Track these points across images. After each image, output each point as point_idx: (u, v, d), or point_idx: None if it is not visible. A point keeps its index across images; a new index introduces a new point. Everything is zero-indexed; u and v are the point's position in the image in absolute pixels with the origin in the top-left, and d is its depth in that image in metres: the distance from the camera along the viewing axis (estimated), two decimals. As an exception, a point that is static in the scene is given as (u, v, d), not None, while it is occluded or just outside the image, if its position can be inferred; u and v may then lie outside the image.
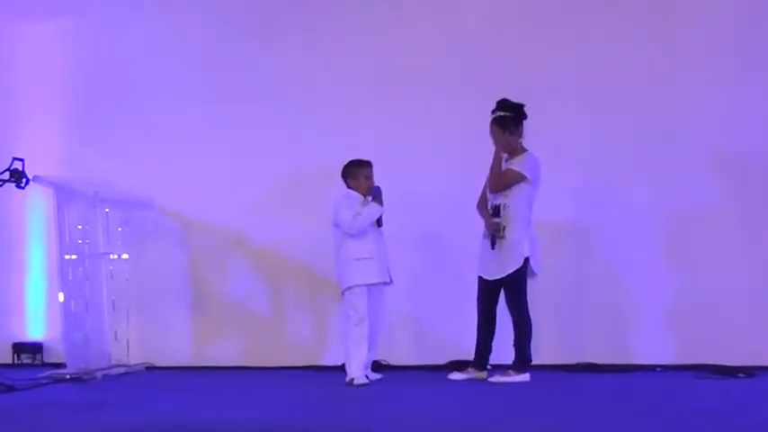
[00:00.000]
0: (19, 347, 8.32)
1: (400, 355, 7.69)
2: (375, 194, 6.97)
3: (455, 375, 6.98)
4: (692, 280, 7.50)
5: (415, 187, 7.79)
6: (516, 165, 6.82)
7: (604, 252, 7.65)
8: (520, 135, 6.88)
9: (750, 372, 6.87)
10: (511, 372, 6.77)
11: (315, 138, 7.90)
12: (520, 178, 6.77)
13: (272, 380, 7.23)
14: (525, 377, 6.73)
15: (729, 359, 7.09)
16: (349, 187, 7.01)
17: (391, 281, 7.04)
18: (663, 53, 7.67)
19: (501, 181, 6.80)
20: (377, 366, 7.24)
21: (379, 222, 6.96)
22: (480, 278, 6.93)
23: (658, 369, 7.27)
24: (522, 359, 6.78)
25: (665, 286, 7.55)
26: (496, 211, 6.78)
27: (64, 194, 7.50)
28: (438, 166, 7.77)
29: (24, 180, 6.95)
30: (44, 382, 7.08)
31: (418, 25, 7.99)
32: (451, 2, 8.00)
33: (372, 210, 6.91)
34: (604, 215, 7.67)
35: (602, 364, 7.35)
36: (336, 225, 6.93)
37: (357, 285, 6.83)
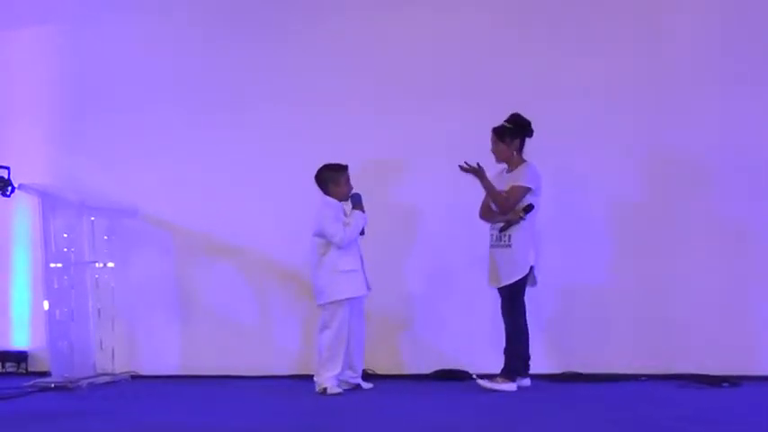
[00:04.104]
0: (3, 356, 8.31)
1: (386, 365, 7.68)
2: (356, 201, 6.94)
3: (523, 382, 6.88)
4: (677, 289, 7.50)
5: (406, 195, 7.80)
6: (517, 176, 6.84)
7: (589, 261, 7.64)
8: (515, 148, 6.89)
9: (735, 381, 6.88)
10: (498, 379, 6.78)
11: (304, 145, 7.84)
12: (525, 191, 6.78)
13: (259, 389, 7.23)
14: (512, 386, 6.72)
15: (714, 369, 7.10)
16: (327, 193, 6.95)
17: (370, 289, 7.03)
18: (649, 63, 7.69)
19: (508, 203, 6.79)
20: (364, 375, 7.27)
21: (362, 231, 6.94)
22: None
23: (643, 378, 7.27)
24: (512, 368, 6.78)
25: (651, 295, 7.54)
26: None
27: (50, 203, 7.51)
28: (432, 175, 7.73)
29: (10, 188, 6.94)
30: (29, 390, 7.08)
31: (417, 28, 7.99)
32: (450, 5, 8.00)
33: (359, 219, 6.87)
34: (588, 223, 7.67)
35: (586, 373, 7.35)
36: (320, 235, 6.86)
37: (343, 299, 6.80)
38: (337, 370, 6.80)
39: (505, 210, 6.81)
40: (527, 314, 6.85)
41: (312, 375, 7.00)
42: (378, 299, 7.38)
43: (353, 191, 6.98)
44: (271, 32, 8.19)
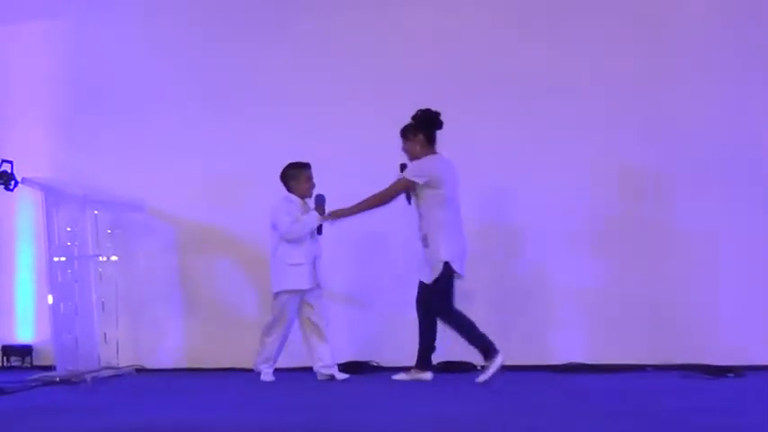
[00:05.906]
0: (8, 350, 8.32)
1: (391, 357, 7.71)
2: (318, 203, 7.07)
3: (400, 376, 7.02)
4: (681, 280, 7.57)
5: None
6: (409, 170, 6.90)
7: (592, 253, 7.71)
8: (419, 143, 6.93)
9: (739, 372, 6.92)
10: (412, 371, 6.92)
11: (304, 144, 7.83)
12: (403, 183, 6.84)
13: (263, 382, 7.22)
14: (427, 375, 6.87)
15: (719, 359, 7.15)
16: (290, 190, 7.10)
17: (320, 286, 7.15)
18: (649, 63, 7.78)
19: (381, 197, 6.88)
20: (367, 368, 7.36)
21: (318, 230, 7.07)
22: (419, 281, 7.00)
23: (648, 369, 7.32)
24: (423, 359, 6.90)
25: (655, 286, 7.60)
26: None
27: (53, 196, 7.47)
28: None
29: (13, 182, 6.92)
30: (33, 384, 7.04)
31: (417, 28, 8.07)
32: (450, 5, 8.06)
33: (311, 219, 7.03)
34: (590, 222, 7.73)
35: (591, 364, 7.40)
36: (274, 228, 7.05)
37: (287, 291, 6.99)
38: (271, 354, 7.11)
39: (385, 201, 6.90)
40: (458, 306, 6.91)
41: (311, 367, 7.16)
42: (380, 291, 7.41)
43: (318, 192, 7.11)
44: (270, 32, 8.23)
